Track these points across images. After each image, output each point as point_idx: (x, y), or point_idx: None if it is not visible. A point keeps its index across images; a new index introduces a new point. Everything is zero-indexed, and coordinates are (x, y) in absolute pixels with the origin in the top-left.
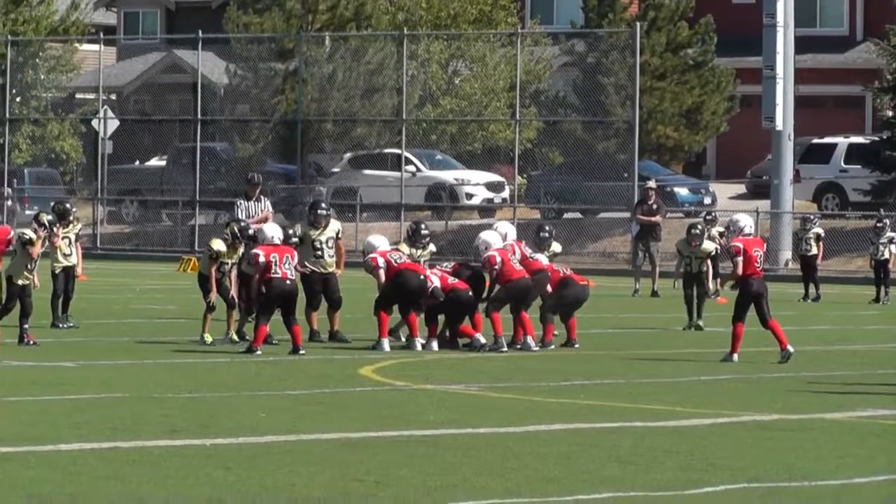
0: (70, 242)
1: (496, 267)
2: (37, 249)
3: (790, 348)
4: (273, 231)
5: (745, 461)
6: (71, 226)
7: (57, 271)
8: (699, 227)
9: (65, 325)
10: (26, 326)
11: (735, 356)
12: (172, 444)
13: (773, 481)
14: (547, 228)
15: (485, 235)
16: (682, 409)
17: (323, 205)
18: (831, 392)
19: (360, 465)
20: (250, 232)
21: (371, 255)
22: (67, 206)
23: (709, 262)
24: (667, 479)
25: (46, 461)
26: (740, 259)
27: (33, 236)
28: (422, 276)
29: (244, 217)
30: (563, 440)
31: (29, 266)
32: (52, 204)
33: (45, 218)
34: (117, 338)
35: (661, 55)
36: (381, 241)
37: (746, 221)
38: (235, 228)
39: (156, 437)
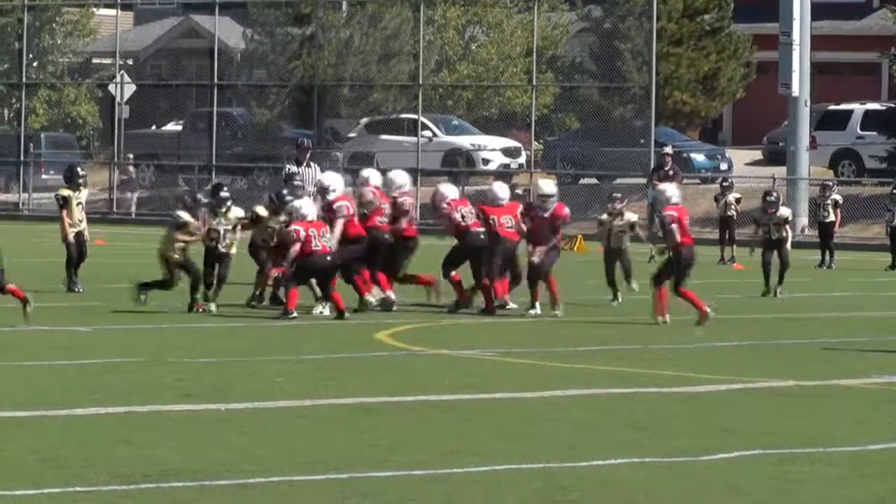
0: (82, 207)
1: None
2: (189, 235)
3: (710, 311)
4: (309, 209)
5: (759, 427)
6: (80, 190)
7: (70, 237)
8: (774, 194)
9: (79, 289)
10: (198, 297)
11: (661, 318)
12: (187, 408)
13: (788, 448)
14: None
15: (442, 188)
16: (697, 376)
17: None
18: (847, 359)
19: (375, 430)
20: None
21: (445, 206)
22: (77, 170)
23: (787, 227)
24: (682, 445)
25: (62, 425)
26: (675, 226)
27: (189, 220)
28: (482, 235)
29: (298, 182)
30: (578, 406)
31: (179, 246)
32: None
33: (202, 199)
34: (132, 302)
35: (678, 21)
36: (452, 190)
37: (673, 191)
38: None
39: (171, 401)
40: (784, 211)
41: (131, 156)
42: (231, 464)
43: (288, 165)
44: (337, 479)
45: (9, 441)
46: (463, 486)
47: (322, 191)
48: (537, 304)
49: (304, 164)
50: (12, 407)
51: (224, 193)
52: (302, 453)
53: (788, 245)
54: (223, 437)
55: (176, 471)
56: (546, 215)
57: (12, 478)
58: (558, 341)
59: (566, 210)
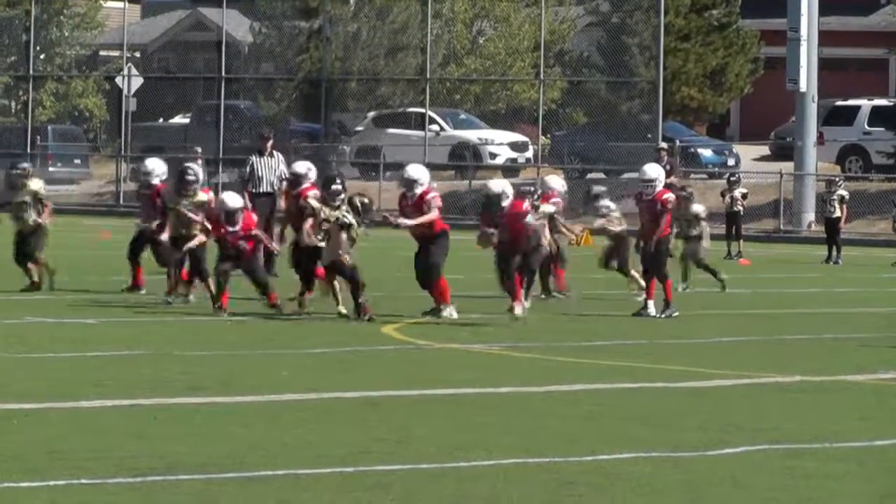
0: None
1: None
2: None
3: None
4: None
5: (766, 422)
6: (25, 189)
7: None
8: (689, 189)
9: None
10: (362, 301)
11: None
12: (193, 401)
13: (795, 443)
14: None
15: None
16: (703, 370)
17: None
18: (853, 354)
19: (382, 423)
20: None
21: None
22: (27, 168)
23: (702, 224)
24: (688, 439)
25: (68, 418)
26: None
27: (353, 220)
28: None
29: (258, 173)
30: (584, 400)
31: (348, 247)
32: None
33: (359, 200)
34: (138, 295)
35: (686, 16)
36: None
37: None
38: (357, 202)
39: (177, 394)
40: (696, 207)
41: (199, 149)
42: (237, 457)
43: (251, 157)
44: (343, 472)
45: (14, 433)
46: (469, 481)
47: (409, 183)
48: (650, 302)
49: (267, 153)
50: (18, 398)
51: (336, 186)
52: (308, 447)
53: (705, 243)
54: (229, 431)
55: (182, 463)
56: (649, 199)
57: (18, 470)
58: (564, 336)
59: (665, 195)
